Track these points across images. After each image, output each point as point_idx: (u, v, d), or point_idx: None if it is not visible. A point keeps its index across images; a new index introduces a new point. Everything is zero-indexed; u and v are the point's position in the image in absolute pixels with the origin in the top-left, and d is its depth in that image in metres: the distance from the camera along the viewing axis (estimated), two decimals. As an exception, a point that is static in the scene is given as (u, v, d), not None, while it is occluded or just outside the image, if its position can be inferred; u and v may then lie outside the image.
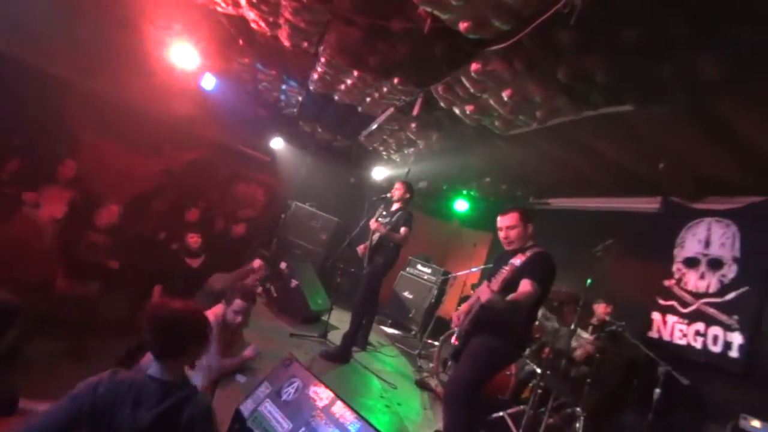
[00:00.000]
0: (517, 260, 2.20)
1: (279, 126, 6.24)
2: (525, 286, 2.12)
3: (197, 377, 2.57)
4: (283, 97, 5.09)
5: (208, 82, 5.08)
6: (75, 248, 4.08)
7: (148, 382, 1.32)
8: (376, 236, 3.73)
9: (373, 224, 3.69)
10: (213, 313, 2.62)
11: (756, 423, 2.19)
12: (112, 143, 5.47)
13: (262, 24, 3.24)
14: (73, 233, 4.13)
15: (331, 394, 1.45)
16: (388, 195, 4.15)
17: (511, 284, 2.17)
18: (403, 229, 3.63)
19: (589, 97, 2.69)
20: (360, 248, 3.92)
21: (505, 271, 2.12)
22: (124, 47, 4.56)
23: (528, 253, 2.25)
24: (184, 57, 4.37)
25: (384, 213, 3.90)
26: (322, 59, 3.54)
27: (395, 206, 3.90)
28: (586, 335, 3.40)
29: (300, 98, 4.95)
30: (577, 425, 3.08)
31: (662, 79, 2.28)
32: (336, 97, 4.30)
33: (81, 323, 3.49)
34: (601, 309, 3.56)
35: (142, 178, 5.77)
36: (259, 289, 4.98)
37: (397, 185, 3.91)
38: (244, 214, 6.65)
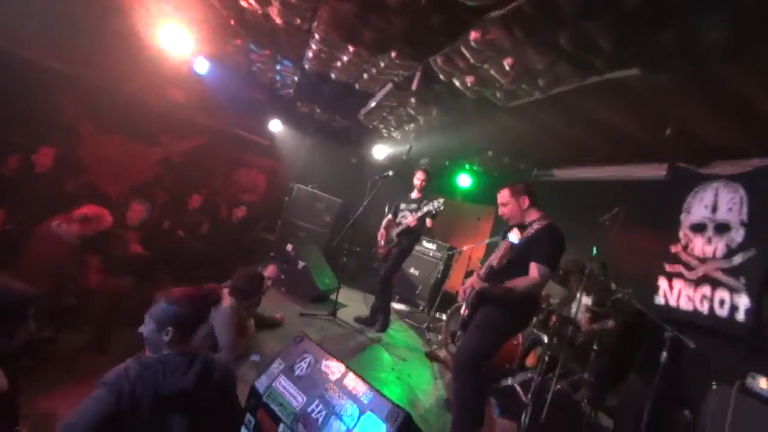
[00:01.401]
0: (515, 237, 2.21)
1: (276, 108, 6.16)
2: (533, 271, 2.14)
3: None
4: (278, 78, 4.99)
5: (202, 67, 4.99)
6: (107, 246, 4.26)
7: (171, 356, 1.42)
8: (404, 223, 3.85)
9: (412, 221, 3.77)
10: (228, 299, 2.69)
11: (763, 382, 2.22)
12: (112, 135, 5.45)
13: (253, 1, 3.14)
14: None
15: (343, 367, 1.49)
16: (390, 173, 4.15)
17: (516, 263, 2.19)
18: (428, 221, 3.78)
19: (593, 64, 2.61)
20: (381, 234, 4.07)
21: (501, 250, 2.16)
22: (115, 34, 4.46)
23: (531, 230, 2.23)
24: (177, 41, 4.28)
25: (406, 203, 4.04)
26: (316, 36, 3.45)
27: (417, 195, 4.03)
28: (587, 302, 3.43)
29: (296, 78, 4.86)
30: (584, 390, 3.16)
31: (665, 45, 2.20)
32: (332, 76, 4.21)
33: (106, 315, 3.59)
34: (594, 269, 3.58)
35: (141, 168, 5.77)
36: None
37: (419, 174, 4.03)
38: (247, 199, 6.67)
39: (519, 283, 2.14)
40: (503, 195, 2.40)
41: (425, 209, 3.69)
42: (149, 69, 4.87)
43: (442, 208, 3.64)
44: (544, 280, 2.17)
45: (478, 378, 2.16)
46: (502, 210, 2.42)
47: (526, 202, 2.35)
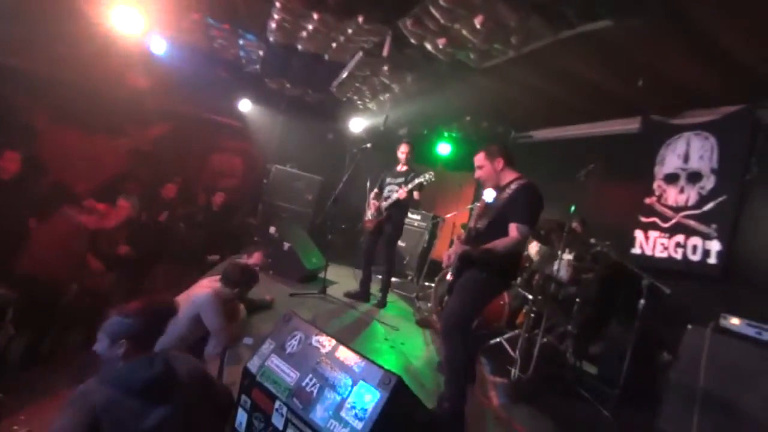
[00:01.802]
0: (489, 196, 2.29)
1: (244, 87, 5.88)
2: (512, 231, 2.17)
3: (210, 344, 2.66)
4: (242, 53, 4.74)
5: (158, 47, 4.67)
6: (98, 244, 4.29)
7: (130, 365, 1.39)
8: (394, 196, 3.80)
9: (402, 194, 3.72)
10: (211, 287, 2.64)
11: (735, 320, 2.35)
12: (70, 129, 5.12)
13: (205, -31, 2.92)
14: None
15: (333, 341, 1.49)
16: (368, 145, 4.07)
17: (496, 224, 2.23)
18: (416, 194, 3.76)
19: (565, 15, 2.56)
20: (372, 205, 4.04)
21: (476, 210, 2.18)
22: (59, 18, 4.11)
23: (509, 191, 2.26)
24: (128, 20, 3.97)
25: (392, 177, 3.99)
26: (277, 4, 3.26)
27: (403, 168, 3.97)
28: (568, 257, 3.52)
29: (261, 53, 4.63)
30: (569, 342, 3.30)
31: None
32: (299, 47, 4.02)
33: (97, 313, 3.56)
34: (577, 228, 3.67)
35: (109, 162, 5.49)
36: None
37: (403, 147, 3.97)
38: (225, 185, 6.49)
39: (499, 243, 2.18)
40: (478, 158, 2.42)
41: (416, 181, 3.67)
42: (101, 53, 4.53)
43: (433, 179, 3.66)
44: (524, 238, 2.20)
45: (465, 338, 2.22)
46: (478, 173, 2.44)
47: (500, 163, 2.36)
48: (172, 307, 1.62)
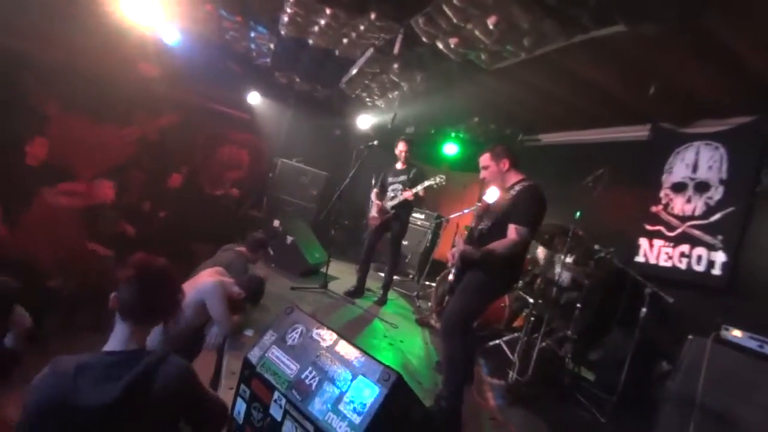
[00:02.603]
0: (491, 197, 2.31)
1: (253, 79, 5.89)
2: (511, 233, 2.16)
3: (212, 334, 2.69)
4: (253, 46, 4.75)
5: (171, 37, 4.69)
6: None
7: (103, 359, 1.17)
8: (400, 196, 3.83)
9: (409, 195, 3.74)
10: (216, 276, 2.66)
11: (737, 332, 2.34)
12: (80, 116, 5.15)
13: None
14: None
15: (335, 335, 1.50)
16: (375, 143, 4.08)
17: (499, 226, 2.23)
18: (421, 191, 3.76)
19: (579, 19, 2.54)
20: (375, 208, 4.03)
21: (478, 210, 2.18)
22: (73, 5, 4.14)
23: (513, 192, 2.26)
24: (142, 10, 4.00)
25: (393, 175, 3.99)
26: (290, -2, 3.26)
27: (402, 165, 3.99)
28: (570, 262, 3.51)
29: (272, 46, 4.63)
30: (568, 347, 3.30)
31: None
32: (310, 42, 4.02)
33: (100, 295, 3.60)
34: (577, 231, 3.65)
35: (116, 150, 5.52)
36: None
37: (401, 145, 3.97)
38: (231, 177, 6.51)
39: (498, 245, 2.18)
40: (484, 158, 2.43)
41: (426, 183, 3.67)
42: (114, 42, 4.56)
43: (443, 183, 3.68)
44: (523, 240, 2.17)
45: (465, 338, 2.22)
46: (483, 173, 2.45)
47: (505, 164, 2.36)
48: (165, 275, 1.32)
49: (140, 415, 1.13)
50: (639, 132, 4.12)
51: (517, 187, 2.27)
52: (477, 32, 2.90)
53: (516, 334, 3.32)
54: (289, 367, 1.49)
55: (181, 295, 1.37)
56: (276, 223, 4.79)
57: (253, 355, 1.64)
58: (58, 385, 1.07)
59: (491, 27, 2.75)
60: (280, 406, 1.43)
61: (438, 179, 3.67)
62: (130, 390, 1.10)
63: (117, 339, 1.22)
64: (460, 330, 2.21)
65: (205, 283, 2.59)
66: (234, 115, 6.38)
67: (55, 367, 1.11)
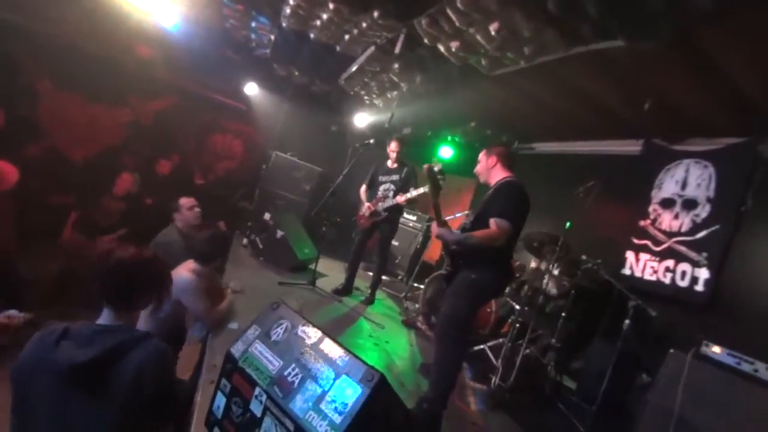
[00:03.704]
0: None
1: (252, 70, 5.83)
2: (491, 225, 2.17)
3: (195, 328, 2.62)
4: (253, 36, 4.69)
5: (170, 21, 4.61)
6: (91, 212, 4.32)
7: (87, 326, 1.25)
8: (391, 200, 3.81)
9: (402, 200, 3.73)
10: (191, 270, 2.52)
11: (716, 349, 2.38)
12: (72, 95, 5.04)
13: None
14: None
15: (320, 333, 1.48)
16: (371, 141, 4.06)
17: (480, 219, 2.26)
18: (415, 193, 3.73)
19: (579, 31, 2.56)
20: (367, 206, 3.98)
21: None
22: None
23: (494, 187, 2.31)
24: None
25: (385, 173, 3.97)
26: (295, -10, 3.23)
27: (394, 164, 3.96)
28: (558, 272, 3.55)
29: (272, 37, 4.59)
30: (552, 355, 3.33)
31: (652, 10, 2.17)
32: (312, 35, 3.99)
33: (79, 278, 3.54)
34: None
35: (108, 131, 5.41)
36: (245, 241, 4.97)
37: (394, 145, 3.93)
38: (223, 167, 6.44)
39: (476, 233, 2.19)
40: (481, 153, 2.50)
41: (422, 190, 3.62)
42: (113, 21, 4.48)
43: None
44: (503, 232, 2.14)
45: (456, 344, 2.21)
46: (476, 168, 2.51)
47: (493, 161, 2.40)
48: (140, 266, 1.36)
49: (108, 382, 1.18)
50: (631, 146, 4.18)
51: (499, 184, 2.31)
52: (479, 37, 2.91)
53: (501, 340, 3.34)
54: (272, 363, 1.47)
55: (162, 285, 1.42)
56: (267, 216, 4.74)
57: (236, 349, 1.61)
58: (43, 341, 1.18)
59: (493, 33, 2.76)
60: (261, 402, 1.41)
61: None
62: (104, 356, 1.17)
63: (105, 317, 1.31)
64: (451, 335, 2.20)
65: (178, 279, 2.38)
66: (230, 104, 6.30)
67: (46, 328, 1.23)
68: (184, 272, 2.48)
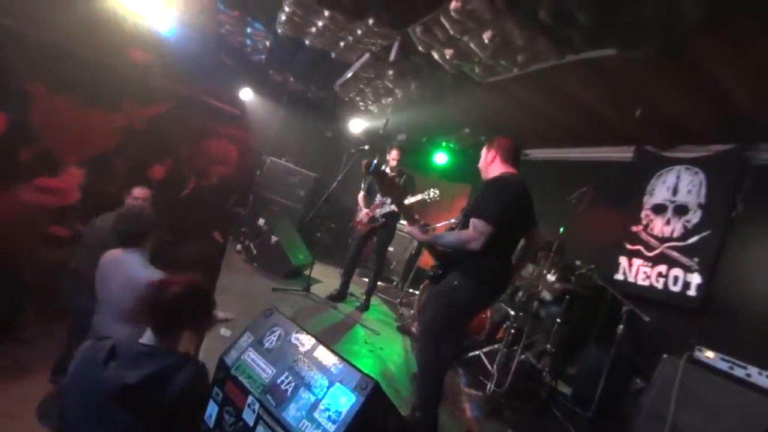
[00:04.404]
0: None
1: (247, 75, 5.84)
2: (469, 226, 2.02)
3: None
4: (248, 41, 4.71)
5: (165, 26, 4.61)
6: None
7: (137, 346, 1.29)
8: (388, 207, 3.82)
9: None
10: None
11: (709, 354, 2.40)
12: (65, 99, 4.99)
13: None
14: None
15: (313, 340, 1.47)
16: (366, 147, 4.07)
17: (466, 221, 2.15)
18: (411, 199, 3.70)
19: (571, 40, 2.60)
20: (365, 213, 3.98)
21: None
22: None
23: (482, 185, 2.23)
24: (136, -3, 3.92)
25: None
26: (290, -4, 3.25)
27: (392, 172, 3.95)
28: (553, 278, 3.56)
29: (267, 43, 4.60)
30: (546, 360, 3.33)
31: (644, 19, 2.21)
32: (307, 42, 4.00)
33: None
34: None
35: (101, 136, 5.36)
36: (238, 247, 4.94)
37: (394, 153, 3.94)
38: (217, 172, 6.40)
39: (449, 234, 2.15)
40: (483, 148, 2.39)
41: (420, 197, 3.61)
42: (107, 25, 4.46)
43: (437, 198, 3.63)
44: (480, 233, 1.95)
45: (435, 349, 2.09)
46: (479, 163, 2.40)
47: (492, 156, 2.27)
48: (186, 297, 1.36)
49: (152, 403, 1.22)
50: (623, 153, 4.23)
51: (485, 182, 2.22)
52: (472, 45, 2.94)
53: (496, 346, 3.34)
54: (265, 371, 1.46)
55: (208, 312, 1.45)
56: (261, 221, 4.73)
57: (229, 357, 1.60)
58: (92, 360, 1.22)
59: (487, 41, 2.79)
60: (254, 411, 1.39)
61: (432, 194, 3.59)
62: (151, 378, 1.22)
63: (149, 338, 1.33)
64: (430, 340, 2.13)
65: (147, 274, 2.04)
66: (224, 109, 6.28)
67: (92, 345, 1.27)
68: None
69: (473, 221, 2.01)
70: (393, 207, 3.78)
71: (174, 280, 1.35)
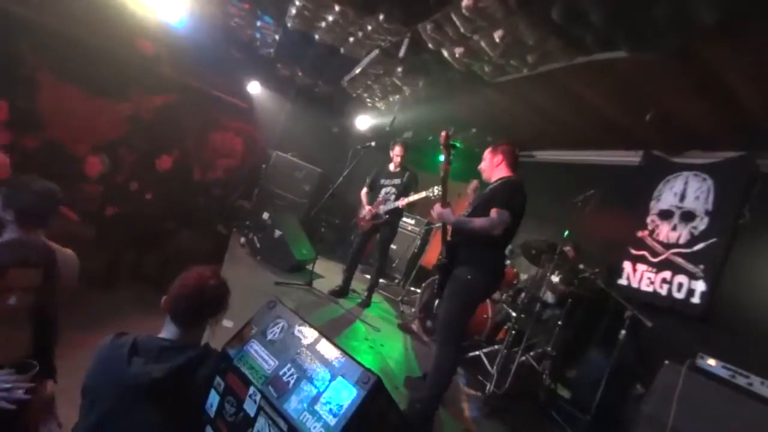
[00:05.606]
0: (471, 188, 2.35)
1: (255, 69, 5.84)
2: (492, 213, 2.20)
3: None
4: (258, 35, 4.70)
5: (174, 17, 4.61)
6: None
7: (158, 341, 1.31)
8: (392, 203, 3.83)
9: (403, 203, 3.76)
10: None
11: (711, 361, 2.38)
12: (73, 87, 5.02)
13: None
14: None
15: (316, 333, 1.47)
16: (372, 144, 4.07)
17: (477, 212, 2.30)
18: (414, 197, 3.76)
19: (582, 41, 2.58)
20: (367, 212, 3.98)
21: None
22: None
23: (494, 185, 2.36)
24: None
25: (386, 177, 3.99)
26: (301, -9, 3.24)
27: (396, 168, 3.99)
28: (556, 279, 3.55)
29: (277, 37, 4.60)
30: (547, 363, 3.32)
31: (656, 21, 2.19)
32: (316, 37, 4.00)
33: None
34: (570, 253, 3.69)
35: (108, 125, 5.39)
36: (242, 240, 4.95)
37: (398, 150, 3.97)
38: (223, 164, 6.42)
39: (476, 218, 2.22)
40: (486, 151, 2.52)
41: (423, 194, 3.65)
42: (117, 14, 4.48)
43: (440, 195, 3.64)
44: (501, 221, 2.17)
45: (455, 346, 2.25)
46: (481, 165, 2.55)
47: (499, 159, 2.43)
48: (212, 291, 1.40)
49: (178, 396, 1.26)
50: (631, 157, 4.20)
51: (502, 180, 2.35)
52: (483, 44, 2.92)
53: (496, 347, 3.33)
54: (268, 362, 1.46)
55: (226, 305, 1.47)
56: (265, 215, 4.73)
57: (231, 347, 1.60)
58: (115, 357, 1.23)
59: (497, 40, 2.77)
60: (255, 402, 1.39)
61: (436, 191, 3.65)
62: (177, 372, 1.24)
63: (171, 332, 1.34)
64: (448, 339, 2.23)
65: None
66: (232, 102, 6.30)
67: (112, 342, 1.28)
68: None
69: (497, 210, 2.17)
70: (396, 204, 3.77)
71: (207, 274, 1.39)
